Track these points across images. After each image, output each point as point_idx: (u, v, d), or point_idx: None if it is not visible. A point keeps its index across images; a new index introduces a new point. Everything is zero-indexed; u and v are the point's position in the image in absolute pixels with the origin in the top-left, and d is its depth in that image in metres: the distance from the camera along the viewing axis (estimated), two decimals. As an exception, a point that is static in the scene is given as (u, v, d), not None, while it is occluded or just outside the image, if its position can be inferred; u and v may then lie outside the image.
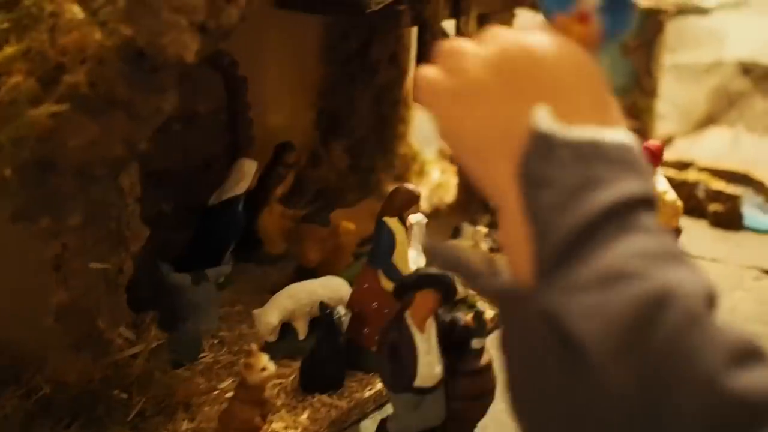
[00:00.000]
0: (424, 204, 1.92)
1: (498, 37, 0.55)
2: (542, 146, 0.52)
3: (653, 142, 1.57)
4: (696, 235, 1.93)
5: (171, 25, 0.93)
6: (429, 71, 0.56)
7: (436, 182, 2.05)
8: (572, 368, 0.47)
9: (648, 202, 0.51)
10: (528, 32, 0.56)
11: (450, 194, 1.98)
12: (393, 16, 1.51)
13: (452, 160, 2.09)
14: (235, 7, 0.99)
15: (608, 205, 0.50)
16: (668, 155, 2.26)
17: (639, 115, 2.44)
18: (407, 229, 1.30)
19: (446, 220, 1.86)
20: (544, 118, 0.53)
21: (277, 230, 1.60)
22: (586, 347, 0.46)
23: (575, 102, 0.55)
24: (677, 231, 1.58)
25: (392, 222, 1.26)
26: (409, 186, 1.29)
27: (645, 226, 0.49)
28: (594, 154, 0.52)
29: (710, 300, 0.47)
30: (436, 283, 1.11)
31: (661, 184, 1.58)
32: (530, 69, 0.55)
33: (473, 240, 1.62)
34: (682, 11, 2.86)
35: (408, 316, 1.11)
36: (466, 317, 1.17)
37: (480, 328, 1.17)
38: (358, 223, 1.53)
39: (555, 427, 0.49)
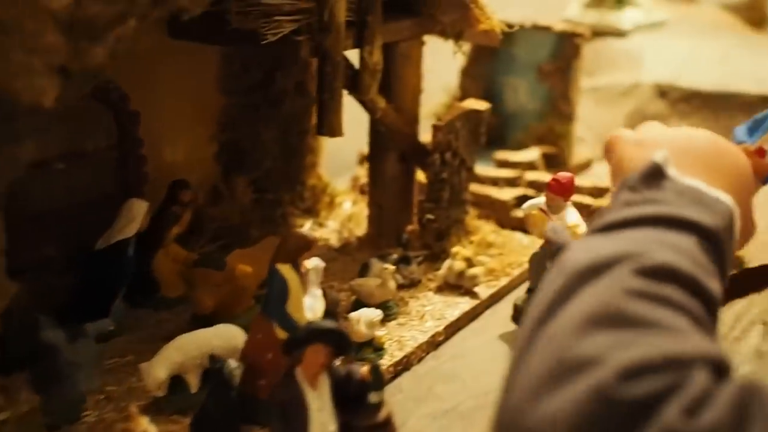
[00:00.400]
0: (333, 238, 1.86)
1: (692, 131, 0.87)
2: (651, 172, 0.75)
3: (563, 174, 1.53)
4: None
5: (25, 68, 0.85)
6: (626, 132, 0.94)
7: (347, 214, 1.98)
8: None
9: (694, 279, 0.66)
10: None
11: (361, 227, 1.91)
12: (291, 47, 1.44)
13: (362, 190, 2.02)
14: (101, 47, 0.91)
15: (668, 218, 0.71)
16: (586, 181, 2.23)
17: (556, 141, 2.40)
18: (302, 275, 1.23)
19: (355, 256, 1.80)
20: (660, 155, 0.76)
21: (173, 273, 1.52)
22: None
23: (711, 173, 0.79)
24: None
25: (285, 269, 1.19)
26: (303, 231, 1.23)
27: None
28: (691, 195, 0.74)
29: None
30: (327, 337, 1.04)
31: (573, 216, 1.53)
32: (694, 145, 0.83)
33: (381, 277, 1.56)
34: (599, 34, 2.84)
35: (299, 372, 1.04)
36: (362, 370, 1.10)
37: (377, 381, 1.10)
38: (259, 263, 1.45)
39: None
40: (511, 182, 2.15)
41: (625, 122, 2.60)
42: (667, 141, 0.83)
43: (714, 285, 0.68)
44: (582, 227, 1.50)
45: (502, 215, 2.03)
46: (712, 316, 0.66)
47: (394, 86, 1.70)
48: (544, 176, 2.13)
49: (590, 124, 2.63)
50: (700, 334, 0.61)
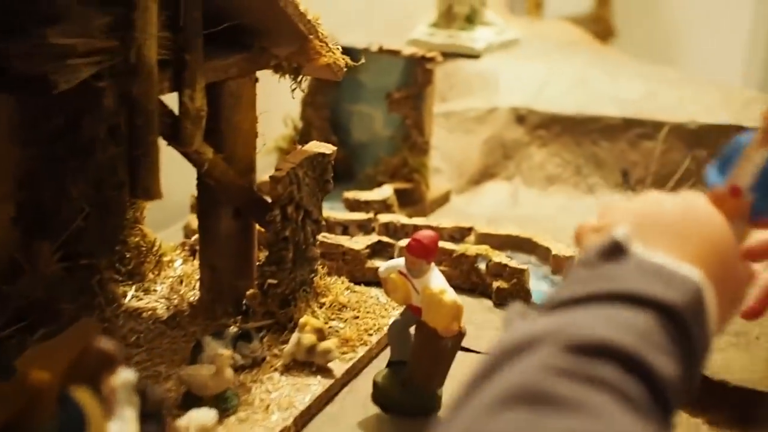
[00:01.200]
0: (161, 306, 1.60)
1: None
2: (609, 249, 0.71)
3: (425, 234, 1.31)
4: (481, 321, 1.68)
5: None
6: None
7: (177, 276, 1.71)
8: None
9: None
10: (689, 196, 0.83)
11: (194, 291, 1.65)
12: (91, 95, 1.17)
13: (192, 251, 1.76)
14: None
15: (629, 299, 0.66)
16: (445, 220, 2.03)
17: (410, 175, 2.19)
18: (106, 398, 0.97)
19: (187, 329, 1.54)
20: (621, 231, 0.72)
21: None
22: None
23: (681, 245, 0.74)
24: (459, 335, 1.32)
25: (81, 394, 0.92)
26: (104, 344, 0.96)
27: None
28: (652, 271, 0.69)
29: None
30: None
31: (438, 280, 1.32)
32: (663, 215, 0.78)
33: (216, 365, 1.30)
34: (450, 55, 2.65)
35: None
36: None
37: None
38: (63, 361, 1.17)
39: None
40: (364, 226, 1.92)
41: (482, 149, 2.41)
42: (630, 214, 0.78)
43: (667, 365, 0.62)
44: (449, 293, 1.29)
45: (356, 267, 1.81)
46: (659, 399, 0.60)
47: (223, 133, 1.45)
48: (400, 218, 1.92)
49: (445, 153, 2.44)
50: (631, 417, 0.56)
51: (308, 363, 1.43)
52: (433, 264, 1.32)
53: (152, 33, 1.17)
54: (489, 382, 0.59)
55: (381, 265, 1.39)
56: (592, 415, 0.55)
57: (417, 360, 1.35)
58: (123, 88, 1.18)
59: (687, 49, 4.54)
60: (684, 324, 0.66)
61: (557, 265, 1.85)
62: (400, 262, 1.35)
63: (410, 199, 2.18)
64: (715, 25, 4.41)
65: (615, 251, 0.71)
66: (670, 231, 0.76)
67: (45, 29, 1.11)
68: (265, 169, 1.86)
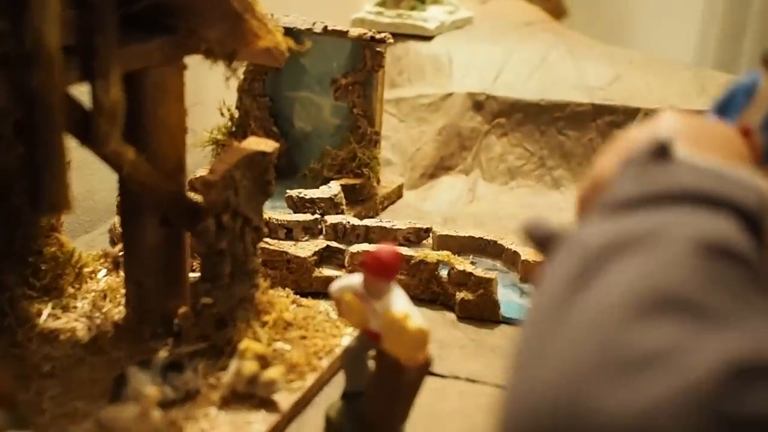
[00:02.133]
0: (81, 327, 1.39)
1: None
2: (657, 151, 0.63)
3: (385, 249, 1.12)
4: (444, 338, 1.49)
5: None
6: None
7: (100, 290, 1.50)
8: None
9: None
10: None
11: (119, 308, 1.44)
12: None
13: (116, 263, 1.55)
14: None
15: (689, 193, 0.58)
16: (397, 215, 1.84)
17: (360, 170, 1.99)
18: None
19: (111, 354, 1.33)
20: (664, 132, 0.66)
21: None
22: None
23: (722, 155, 0.66)
24: (426, 364, 1.13)
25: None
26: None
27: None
28: (712, 175, 0.60)
29: None
30: None
31: (400, 303, 1.13)
32: (693, 125, 0.72)
33: (142, 405, 1.10)
34: (399, 36, 2.45)
35: None
36: None
37: None
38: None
39: None
40: (310, 229, 1.73)
41: (437, 140, 2.22)
42: (658, 128, 0.70)
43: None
44: (414, 317, 1.09)
45: (302, 277, 1.62)
46: None
47: (146, 129, 1.24)
48: (350, 219, 1.73)
49: (396, 145, 2.25)
50: None
51: (250, 395, 1.23)
52: (393, 283, 1.13)
53: (52, 12, 0.96)
54: (602, 281, 0.51)
55: (333, 284, 1.19)
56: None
57: (375, 394, 1.16)
58: (17, 79, 0.97)
59: (639, 28, 4.40)
60: (761, 229, 0.59)
61: (527, 271, 1.67)
62: (354, 280, 1.16)
63: (359, 196, 1.98)
64: (667, 1, 4.27)
65: (663, 153, 0.64)
66: (707, 140, 0.70)
67: None
68: (197, 164, 1.66)
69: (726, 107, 0.90)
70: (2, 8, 0.95)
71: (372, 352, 1.19)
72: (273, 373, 1.23)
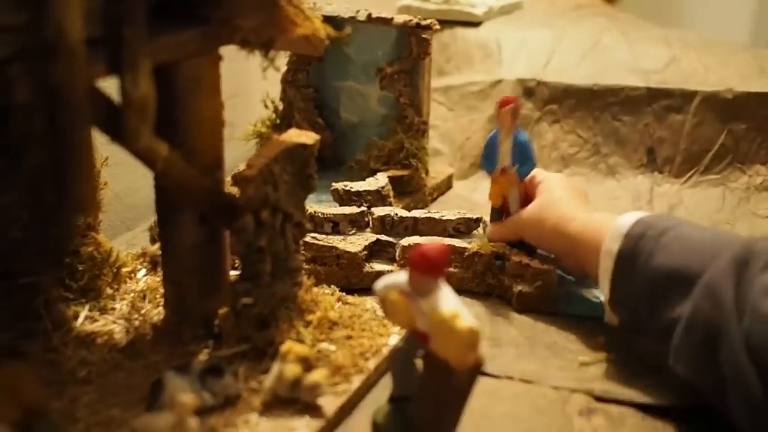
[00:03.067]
0: (119, 330, 1.35)
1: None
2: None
3: (433, 246, 1.06)
4: (500, 336, 1.43)
5: None
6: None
7: (139, 291, 1.45)
8: None
9: None
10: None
11: (158, 309, 1.40)
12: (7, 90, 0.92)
13: (154, 262, 1.50)
14: None
15: None
16: (447, 206, 1.78)
17: (407, 160, 1.93)
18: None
19: (149, 358, 1.29)
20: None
21: None
22: None
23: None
24: (476, 366, 1.07)
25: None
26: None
27: None
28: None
29: None
30: None
31: (449, 302, 1.06)
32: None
33: (177, 413, 1.05)
34: (446, 23, 2.38)
35: None
36: None
37: None
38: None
39: None
40: (356, 222, 1.67)
41: (487, 128, 2.15)
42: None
43: None
44: (463, 317, 1.03)
45: (352, 273, 1.56)
46: None
47: (180, 124, 1.19)
48: (398, 211, 1.67)
49: (445, 134, 2.18)
50: None
51: (292, 400, 1.18)
52: (441, 281, 1.06)
53: (74, 2, 0.91)
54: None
55: (377, 282, 1.13)
56: None
57: (424, 397, 1.10)
58: (40, 75, 0.92)
59: (691, 10, 4.28)
60: None
61: (582, 262, 1.60)
62: (400, 278, 1.10)
63: (408, 188, 1.92)
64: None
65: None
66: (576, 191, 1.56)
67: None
68: (241, 158, 1.61)
69: (489, 155, 1.57)
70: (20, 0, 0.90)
71: (421, 353, 1.12)
72: (317, 376, 1.17)
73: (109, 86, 1.05)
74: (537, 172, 1.59)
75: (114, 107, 1.05)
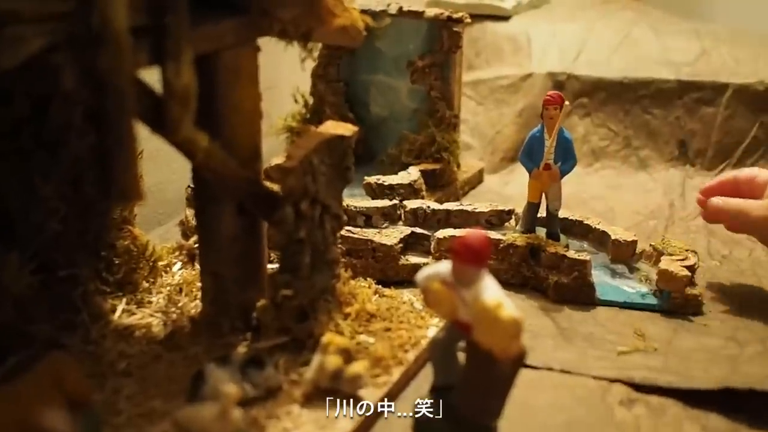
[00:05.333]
0: (156, 323, 1.35)
1: None
2: None
3: (475, 235, 1.05)
4: (536, 328, 1.42)
5: None
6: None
7: (176, 284, 1.45)
8: None
9: None
10: None
11: (195, 302, 1.40)
12: (44, 75, 0.92)
13: (191, 255, 1.50)
14: None
15: None
16: (479, 200, 1.77)
17: (439, 154, 1.92)
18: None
19: (188, 350, 1.28)
20: None
21: None
22: None
23: None
24: (520, 355, 1.06)
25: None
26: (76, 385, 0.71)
27: None
28: None
29: None
30: None
31: (492, 291, 1.05)
32: None
33: (221, 404, 1.05)
34: (476, 16, 2.37)
35: None
36: None
37: None
38: (25, 410, 0.93)
39: None
40: (389, 215, 1.66)
41: (517, 122, 2.14)
42: None
43: None
44: (507, 306, 1.02)
45: (388, 266, 1.56)
46: None
47: (219, 115, 1.19)
48: (430, 204, 1.67)
49: (476, 128, 2.17)
50: None
51: (334, 391, 1.17)
52: (484, 270, 1.06)
53: (120, -9, 0.91)
54: None
55: (419, 273, 1.12)
56: None
57: (468, 388, 1.09)
58: (85, 62, 0.91)
59: (715, 2, 4.23)
60: None
61: (618, 252, 1.60)
62: (442, 268, 1.09)
63: (439, 181, 1.92)
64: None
65: None
66: None
67: (-23, -11, 0.85)
68: (271, 152, 1.61)
69: (530, 152, 1.57)
70: (68, -13, 0.90)
71: (462, 344, 1.12)
72: (357, 367, 1.17)
73: (149, 76, 1.05)
74: (758, 171, 1.58)
75: (155, 97, 1.05)
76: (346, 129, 1.28)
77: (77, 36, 0.91)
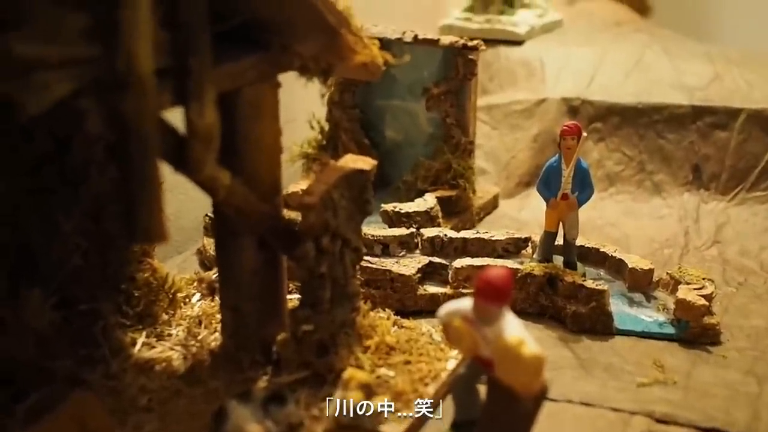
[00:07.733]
0: (176, 356, 1.35)
1: None
2: None
3: (497, 273, 1.05)
4: (555, 358, 1.42)
5: None
6: None
7: (195, 316, 1.46)
8: None
9: None
10: None
11: (215, 335, 1.40)
12: (71, 119, 0.92)
13: (211, 288, 1.50)
14: None
15: None
16: (494, 226, 1.77)
17: (455, 181, 1.93)
18: None
19: (208, 385, 1.28)
20: None
21: None
22: None
23: None
24: (542, 392, 1.06)
25: None
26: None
27: None
28: None
29: None
30: None
31: (513, 329, 1.06)
32: None
33: (244, 441, 1.05)
34: (489, 42, 2.38)
35: None
36: None
37: None
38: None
39: None
40: (406, 243, 1.67)
41: (532, 147, 2.15)
42: None
43: None
44: (529, 344, 1.02)
45: (406, 296, 1.56)
46: None
47: (241, 151, 1.20)
48: (447, 232, 1.67)
49: (490, 153, 2.18)
50: None
51: (355, 427, 1.17)
52: (505, 307, 1.06)
53: (144, 34, 0.91)
54: None
55: (440, 309, 1.12)
56: None
57: (489, 424, 1.09)
58: (109, 105, 0.92)
59: (726, 21, 4.23)
60: None
61: (635, 280, 1.60)
62: (463, 304, 1.10)
63: (455, 208, 1.92)
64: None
65: None
66: None
67: (4, 36, 0.85)
68: (288, 179, 1.61)
69: (547, 182, 1.59)
70: (94, 32, 0.91)
71: (483, 379, 1.12)
72: (380, 402, 1.17)
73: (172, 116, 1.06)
74: None
75: (178, 137, 1.06)
76: (365, 163, 1.29)
77: (103, 80, 0.91)
